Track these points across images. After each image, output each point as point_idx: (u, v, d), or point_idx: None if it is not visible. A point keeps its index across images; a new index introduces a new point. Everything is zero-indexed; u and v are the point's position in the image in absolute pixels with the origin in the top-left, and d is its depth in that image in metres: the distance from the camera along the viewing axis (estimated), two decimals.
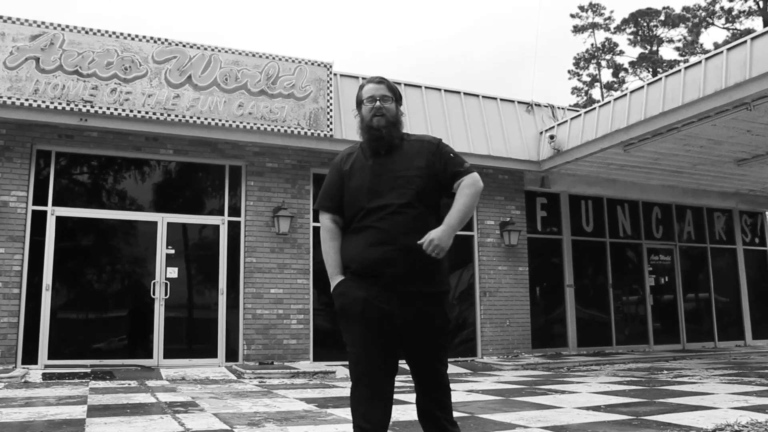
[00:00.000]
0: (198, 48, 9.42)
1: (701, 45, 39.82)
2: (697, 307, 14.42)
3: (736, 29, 37.17)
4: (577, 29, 43.62)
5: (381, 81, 2.71)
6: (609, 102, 10.40)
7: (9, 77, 8.34)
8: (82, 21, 51.00)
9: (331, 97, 10.04)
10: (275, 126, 9.65)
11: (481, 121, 11.43)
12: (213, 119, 9.30)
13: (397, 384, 2.59)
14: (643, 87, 9.76)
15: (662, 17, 41.16)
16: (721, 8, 38.16)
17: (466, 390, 7.03)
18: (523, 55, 69.67)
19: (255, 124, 9.53)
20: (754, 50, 7.89)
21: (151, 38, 9.20)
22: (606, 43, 43.38)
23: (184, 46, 9.35)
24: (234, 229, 9.88)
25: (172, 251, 9.48)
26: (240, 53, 9.66)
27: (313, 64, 10.01)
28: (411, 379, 2.58)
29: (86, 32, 8.84)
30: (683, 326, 13.95)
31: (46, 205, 8.94)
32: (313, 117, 9.88)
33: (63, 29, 8.72)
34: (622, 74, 43.02)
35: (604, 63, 43.75)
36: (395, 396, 2.61)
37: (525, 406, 5.76)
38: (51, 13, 60.17)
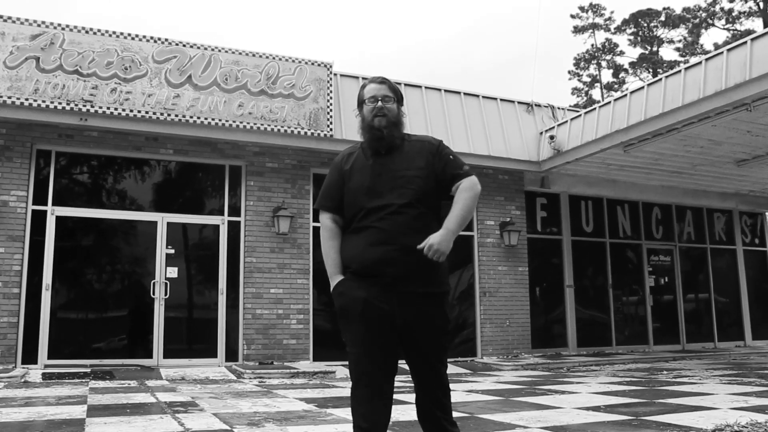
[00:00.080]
0: (198, 48, 9.42)
1: (701, 46, 39.83)
2: (696, 308, 14.42)
3: (736, 30, 37.19)
4: (577, 30, 43.63)
5: (383, 81, 2.71)
6: (609, 102, 10.41)
7: (9, 77, 8.34)
8: (82, 21, 51.06)
9: (331, 97, 10.04)
10: (275, 126, 9.65)
11: (481, 121, 11.43)
12: (213, 119, 9.30)
13: (397, 384, 2.59)
14: (643, 87, 9.76)
15: (662, 18, 41.17)
16: (722, 9, 38.18)
17: (466, 390, 7.03)
18: (523, 55, 69.72)
19: (255, 124, 9.53)
20: (754, 51, 7.89)
21: (151, 38, 9.20)
22: (606, 44, 43.39)
23: (184, 46, 9.35)
24: (234, 229, 9.88)
25: (172, 251, 9.48)
26: (240, 53, 9.66)
27: (313, 64, 10.01)
28: (411, 379, 2.58)
29: (86, 32, 8.84)
30: (683, 327, 13.95)
31: (46, 204, 8.93)
32: (313, 117, 9.88)
33: (63, 29, 8.72)
34: (622, 75, 43.03)
35: (604, 63, 43.76)
36: (395, 396, 2.61)
37: (525, 406, 5.76)
38: (51, 12, 60.19)
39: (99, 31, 8.92)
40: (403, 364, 2.57)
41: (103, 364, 8.73)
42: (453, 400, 2.64)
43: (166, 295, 9.28)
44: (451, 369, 8.91)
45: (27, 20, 8.55)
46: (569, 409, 5.55)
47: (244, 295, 9.64)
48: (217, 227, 9.83)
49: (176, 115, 9.11)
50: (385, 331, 2.48)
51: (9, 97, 8.30)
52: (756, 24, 36.96)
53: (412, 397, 2.72)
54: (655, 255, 13.91)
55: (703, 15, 39.18)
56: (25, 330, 8.53)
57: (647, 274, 13.66)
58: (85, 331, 9.07)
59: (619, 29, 42.73)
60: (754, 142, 10.34)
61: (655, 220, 14.05)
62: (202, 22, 74.41)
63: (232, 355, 9.52)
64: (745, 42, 8.07)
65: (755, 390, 6.70)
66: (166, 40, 9.27)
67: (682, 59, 39.33)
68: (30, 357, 8.51)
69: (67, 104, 8.58)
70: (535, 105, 12.27)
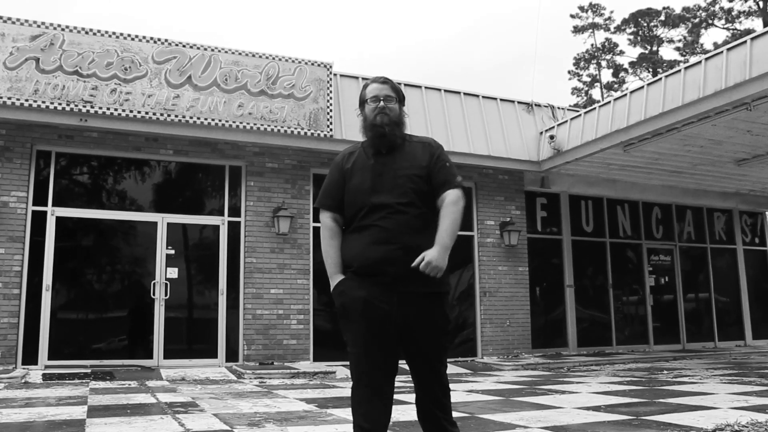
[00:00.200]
0: (198, 48, 9.42)
1: (701, 45, 39.84)
2: (697, 307, 14.42)
3: (736, 29, 37.20)
4: (577, 29, 43.64)
5: (385, 81, 2.72)
6: (609, 102, 10.41)
7: (9, 77, 8.34)
8: (81, 21, 51.03)
9: (331, 98, 10.04)
10: (275, 126, 9.65)
11: (481, 121, 11.42)
12: (213, 119, 9.30)
13: (397, 384, 2.59)
14: (643, 87, 9.76)
15: (662, 17, 41.18)
16: (721, 8, 38.20)
17: (466, 390, 7.03)
18: (523, 55, 69.71)
19: (255, 124, 9.53)
20: (754, 50, 7.89)
21: (151, 38, 9.20)
22: (606, 44, 43.40)
23: (184, 46, 9.35)
24: (234, 229, 9.88)
25: (172, 251, 9.48)
26: (240, 53, 9.66)
27: (313, 64, 10.02)
28: (411, 379, 2.58)
29: (86, 32, 8.84)
30: (683, 326, 13.95)
31: (46, 205, 8.94)
32: (313, 117, 9.88)
33: (63, 29, 8.72)
34: (622, 74, 43.04)
35: (604, 63, 43.77)
36: (395, 396, 2.61)
37: (525, 406, 5.76)
38: (50, 12, 60.23)
39: (99, 31, 8.92)
40: (403, 364, 2.57)
41: (103, 364, 8.73)
42: (453, 400, 2.64)
43: (166, 295, 9.28)
44: (452, 369, 8.91)
45: (27, 21, 8.55)
46: (569, 409, 5.55)
47: (245, 296, 9.64)
48: (217, 227, 9.83)
49: (176, 116, 9.11)
50: (385, 331, 2.48)
51: (9, 98, 8.31)
52: (756, 23, 36.98)
53: (412, 397, 2.72)
54: (655, 255, 13.91)
55: (703, 14, 39.20)
56: (26, 331, 8.53)
57: (647, 273, 13.66)
58: (86, 331, 9.07)
59: (618, 29, 42.74)
60: (754, 141, 10.34)
61: (655, 220, 14.05)
62: (202, 22, 74.45)
63: (232, 355, 9.52)
64: (745, 41, 8.07)
65: (756, 389, 6.70)
66: (166, 40, 9.27)
67: (682, 59, 39.34)
68: (30, 358, 8.51)
69: (67, 105, 8.58)
70: (535, 105, 12.26)
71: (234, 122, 9.41)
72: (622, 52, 43.47)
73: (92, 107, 8.70)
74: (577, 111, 12.05)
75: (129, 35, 9.09)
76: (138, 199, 9.62)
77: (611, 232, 13.36)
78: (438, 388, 2.53)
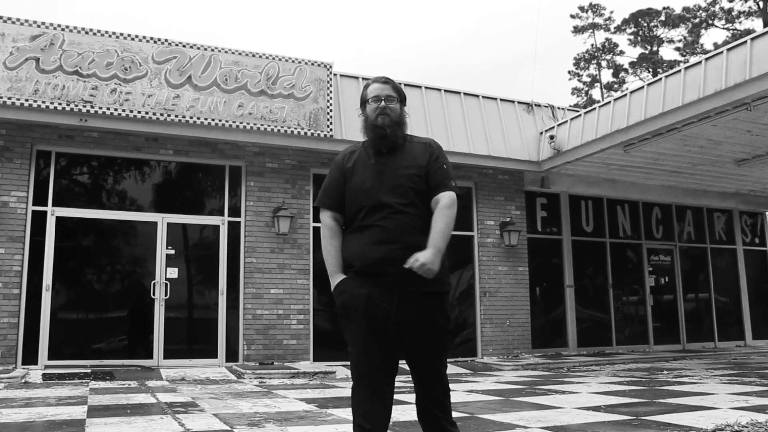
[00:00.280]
0: (198, 48, 9.42)
1: (701, 45, 39.84)
2: (697, 308, 14.42)
3: (736, 29, 37.21)
4: (577, 30, 43.64)
5: (386, 81, 2.71)
6: (609, 102, 10.41)
7: (9, 77, 8.34)
8: (81, 21, 51.03)
9: (331, 98, 10.04)
10: (275, 126, 9.65)
11: (481, 121, 11.42)
12: (213, 119, 9.30)
13: (397, 384, 2.59)
14: (643, 87, 9.76)
15: (662, 18, 41.18)
16: (721, 9, 38.20)
17: (466, 390, 7.03)
18: (523, 55, 69.72)
19: (255, 124, 9.53)
20: (754, 50, 7.89)
21: (151, 38, 9.20)
22: (606, 44, 43.40)
23: (184, 46, 9.35)
24: (234, 229, 9.88)
25: (172, 251, 9.48)
26: (240, 53, 9.66)
27: (313, 64, 10.02)
28: (411, 379, 2.58)
29: (86, 32, 8.84)
30: (683, 326, 13.95)
31: (46, 205, 8.94)
32: (313, 117, 9.88)
33: (63, 29, 8.72)
34: (622, 74, 43.04)
35: (604, 63, 43.77)
36: (395, 396, 2.61)
37: (525, 406, 5.76)
38: (49, 12, 60.22)
39: (99, 31, 8.92)
40: (403, 364, 2.57)
41: (103, 364, 8.73)
42: (453, 400, 2.64)
43: (166, 295, 9.28)
44: (452, 369, 8.91)
45: (27, 21, 8.55)
46: (569, 409, 5.55)
47: (245, 296, 9.64)
48: (217, 227, 9.83)
49: (176, 116, 9.11)
50: (385, 331, 2.48)
51: (9, 98, 8.31)
52: (756, 24, 36.99)
53: (412, 397, 2.72)
54: (655, 255, 13.91)
55: (703, 15, 39.21)
56: (26, 331, 8.53)
57: (647, 273, 13.66)
58: (86, 331, 9.07)
59: (619, 29, 42.75)
60: (754, 141, 10.34)
61: (655, 220, 14.05)
62: (202, 22, 74.46)
63: (232, 355, 9.52)
64: (745, 41, 8.07)
65: (755, 390, 6.70)
66: (166, 40, 9.27)
67: (682, 59, 39.35)
68: (30, 358, 8.51)
69: (67, 105, 8.58)
70: (535, 105, 12.26)
71: (234, 122, 9.41)
72: (622, 52, 43.49)
73: (92, 107, 8.70)
74: (577, 111, 12.05)
75: (129, 35, 9.09)
76: (138, 199, 9.62)
77: (611, 232, 13.36)
78: (438, 388, 2.53)
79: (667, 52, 45.74)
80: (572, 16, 43.98)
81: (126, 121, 8.93)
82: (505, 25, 78.36)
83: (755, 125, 9.50)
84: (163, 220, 9.51)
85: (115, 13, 68.40)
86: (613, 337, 12.95)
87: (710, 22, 39.14)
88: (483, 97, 11.73)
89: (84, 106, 8.65)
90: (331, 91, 10.06)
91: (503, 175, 11.79)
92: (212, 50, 9.49)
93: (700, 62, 8.77)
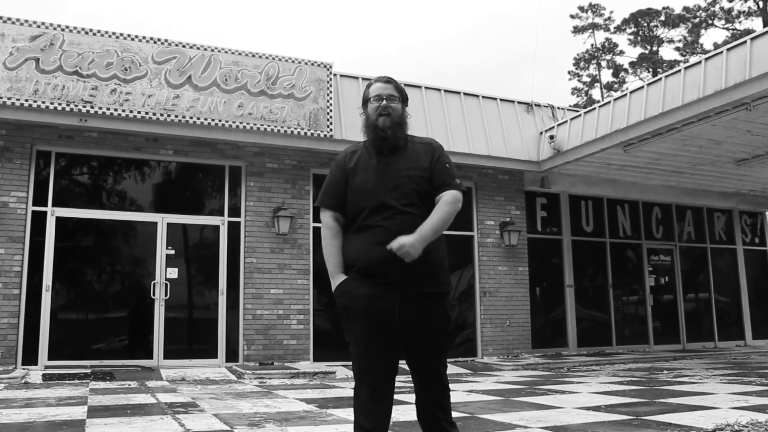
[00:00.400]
0: (198, 48, 9.42)
1: (701, 45, 39.85)
2: (697, 307, 14.42)
3: (735, 29, 37.21)
4: (577, 30, 43.64)
5: (389, 81, 2.70)
6: (609, 102, 10.41)
7: (9, 78, 8.34)
8: (81, 21, 51.00)
9: (331, 98, 10.04)
10: (275, 126, 9.65)
11: (481, 121, 11.42)
12: (213, 120, 9.30)
13: (397, 384, 2.59)
14: (643, 87, 9.76)
15: (662, 17, 41.18)
16: (721, 8, 38.21)
17: (466, 390, 7.03)
18: (523, 55, 69.71)
19: (255, 124, 9.53)
20: (754, 50, 7.89)
21: (151, 38, 9.20)
22: (606, 44, 43.40)
23: (184, 46, 9.35)
24: (234, 229, 9.88)
25: (172, 252, 9.48)
26: (240, 53, 9.66)
27: (313, 64, 10.02)
28: (411, 379, 2.58)
29: (86, 33, 8.84)
30: (683, 326, 13.95)
31: (46, 205, 8.93)
32: (313, 117, 9.88)
33: (63, 30, 8.72)
34: (622, 74, 43.04)
35: (604, 63, 43.77)
36: (395, 396, 2.61)
37: (525, 406, 5.76)
38: (49, 12, 60.22)
39: (99, 31, 8.92)
40: (403, 364, 2.57)
41: (103, 365, 8.73)
42: (453, 400, 2.64)
43: (166, 295, 9.28)
44: (452, 369, 8.91)
45: (27, 21, 8.55)
46: (570, 409, 5.55)
47: (245, 296, 9.64)
48: (217, 228, 9.83)
49: (176, 116, 9.11)
50: (386, 331, 2.48)
51: (9, 98, 8.30)
52: (756, 23, 37.00)
53: (412, 397, 2.72)
54: (655, 255, 13.91)
55: (703, 15, 39.21)
56: (26, 331, 8.53)
57: (647, 273, 13.66)
58: (86, 332, 9.07)
59: (618, 29, 42.75)
60: (754, 141, 10.34)
61: (655, 220, 14.05)
62: (202, 22, 74.45)
63: (232, 355, 9.52)
64: (745, 41, 8.07)
65: (756, 389, 6.70)
66: (166, 40, 9.27)
67: (682, 59, 39.35)
68: (30, 358, 8.50)
69: (67, 105, 8.58)
70: (535, 105, 12.27)
71: (234, 122, 9.41)
72: (622, 52, 43.49)
73: (92, 107, 8.70)
74: (577, 111, 12.06)
75: (129, 35, 9.09)
76: (138, 199, 9.62)
77: (611, 232, 13.36)
78: (438, 388, 2.53)
79: (667, 52, 45.76)
80: (572, 16, 44.01)
81: (126, 121, 8.93)
82: (505, 25, 78.40)
83: (755, 125, 9.50)
84: (163, 220, 9.51)
85: (115, 13, 68.44)
86: (613, 337, 12.95)
87: (710, 22, 39.15)
88: (483, 97, 11.73)
89: (84, 107, 8.65)
90: (331, 91, 10.06)
91: (503, 175, 11.79)
92: (212, 50, 9.49)
93: (699, 62, 8.77)
